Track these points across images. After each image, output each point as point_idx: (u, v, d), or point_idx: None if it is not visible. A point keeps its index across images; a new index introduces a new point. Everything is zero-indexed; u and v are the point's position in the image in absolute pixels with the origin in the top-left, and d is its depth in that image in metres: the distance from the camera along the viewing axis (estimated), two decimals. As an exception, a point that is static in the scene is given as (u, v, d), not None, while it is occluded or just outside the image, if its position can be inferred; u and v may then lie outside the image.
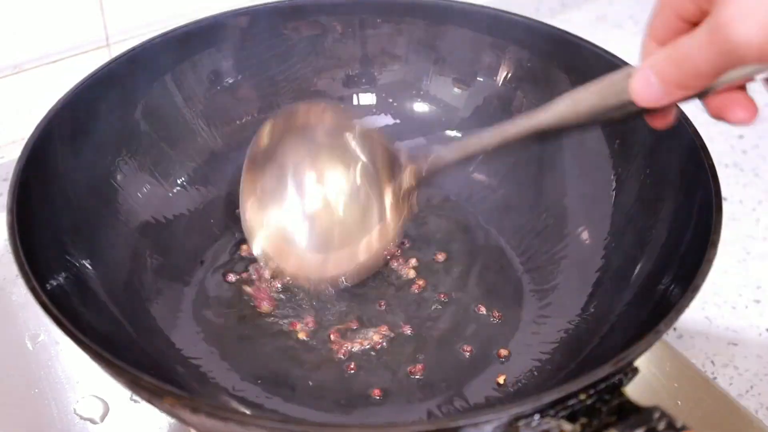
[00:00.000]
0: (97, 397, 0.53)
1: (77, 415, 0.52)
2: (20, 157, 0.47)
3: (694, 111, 0.47)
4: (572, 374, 0.48)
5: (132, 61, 0.56)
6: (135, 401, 0.53)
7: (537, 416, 0.36)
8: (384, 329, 0.53)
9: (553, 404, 0.36)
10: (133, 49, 0.57)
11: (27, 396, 0.53)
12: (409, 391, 0.50)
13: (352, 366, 0.51)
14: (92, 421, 0.52)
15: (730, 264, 0.65)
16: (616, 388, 0.38)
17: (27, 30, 0.66)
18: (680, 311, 0.40)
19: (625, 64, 0.56)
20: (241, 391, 0.50)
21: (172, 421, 0.52)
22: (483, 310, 0.55)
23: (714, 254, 0.43)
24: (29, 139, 0.49)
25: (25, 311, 0.57)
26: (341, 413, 0.49)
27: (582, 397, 0.37)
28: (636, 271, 0.51)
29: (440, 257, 0.58)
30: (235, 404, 0.49)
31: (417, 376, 0.51)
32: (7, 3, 0.64)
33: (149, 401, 0.39)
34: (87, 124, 0.53)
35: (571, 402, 0.37)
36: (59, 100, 0.52)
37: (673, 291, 0.45)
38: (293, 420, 0.47)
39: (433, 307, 0.55)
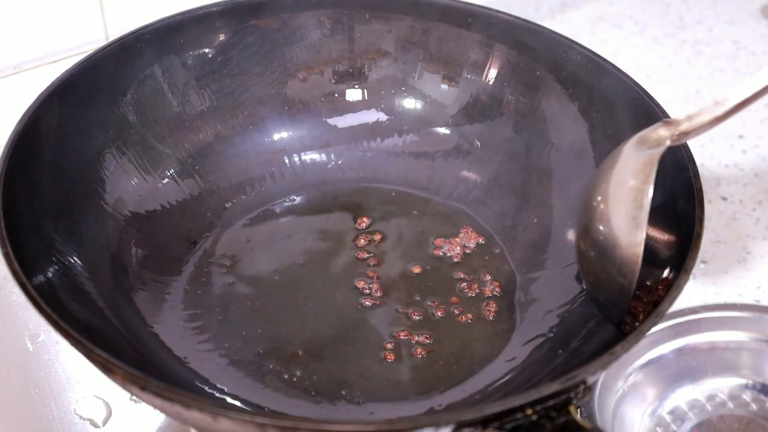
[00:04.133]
0: (97, 397, 0.53)
1: (77, 415, 0.52)
2: (6, 148, 0.47)
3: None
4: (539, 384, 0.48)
5: (120, 50, 0.56)
6: (135, 401, 0.53)
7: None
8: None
9: (498, 416, 0.36)
10: (121, 38, 0.57)
11: (27, 396, 0.53)
12: (382, 389, 0.51)
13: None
14: (93, 422, 0.52)
15: (730, 264, 0.65)
16: (565, 406, 0.37)
17: (27, 30, 0.66)
18: (640, 335, 0.40)
19: (603, 59, 0.57)
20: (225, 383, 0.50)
21: (172, 421, 0.52)
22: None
23: (686, 279, 0.43)
24: (14, 130, 0.48)
25: (25, 311, 0.57)
26: (312, 403, 0.49)
27: (528, 411, 0.37)
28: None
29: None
30: (217, 395, 0.49)
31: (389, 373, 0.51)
32: (7, 3, 0.64)
33: (111, 378, 0.40)
34: (74, 114, 0.53)
35: (518, 415, 0.37)
36: (44, 90, 0.52)
37: (641, 311, 0.45)
38: (231, 407, 0.47)
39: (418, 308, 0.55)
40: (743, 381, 0.55)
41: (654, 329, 0.44)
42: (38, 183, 0.50)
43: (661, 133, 0.45)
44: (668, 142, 0.44)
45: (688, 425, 0.53)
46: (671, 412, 0.53)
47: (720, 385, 0.55)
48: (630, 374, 0.54)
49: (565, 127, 0.60)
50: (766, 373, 0.55)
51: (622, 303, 0.45)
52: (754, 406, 0.54)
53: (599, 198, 0.46)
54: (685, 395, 0.54)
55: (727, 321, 0.57)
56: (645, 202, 0.43)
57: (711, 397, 0.54)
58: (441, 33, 0.63)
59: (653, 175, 0.43)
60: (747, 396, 0.54)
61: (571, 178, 0.59)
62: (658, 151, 0.44)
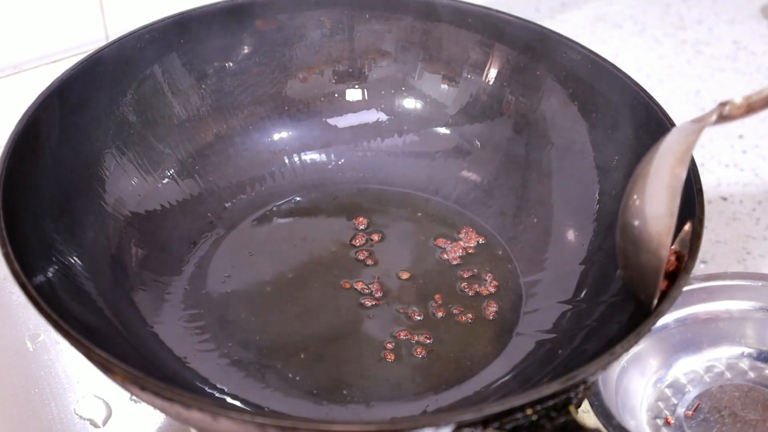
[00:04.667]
0: (97, 397, 0.53)
1: (77, 415, 0.52)
2: (6, 148, 0.47)
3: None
4: (539, 384, 0.48)
5: (120, 50, 0.56)
6: (135, 401, 0.53)
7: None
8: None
9: (498, 416, 0.36)
10: (121, 38, 0.57)
11: (27, 396, 0.53)
12: (382, 389, 0.51)
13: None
14: (93, 422, 0.52)
15: (730, 264, 0.65)
16: (565, 406, 0.38)
17: (27, 30, 0.66)
18: (640, 335, 0.40)
19: (603, 60, 0.57)
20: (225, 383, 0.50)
21: (172, 421, 0.52)
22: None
23: (686, 279, 0.43)
24: (14, 130, 0.49)
25: (25, 311, 0.57)
26: (312, 403, 0.50)
27: (528, 411, 0.37)
28: (614, 280, 0.52)
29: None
30: (217, 395, 0.49)
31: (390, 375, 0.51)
32: (7, 3, 0.64)
33: (111, 378, 0.40)
34: (74, 114, 0.53)
35: (518, 415, 0.37)
36: (44, 90, 0.52)
37: (640, 312, 0.45)
38: (232, 407, 0.47)
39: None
40: (740, 349, 0.55)
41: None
42: (38, 183, 0.50)
43: (713, 112, 0.44)
44: (714, 118, 0.44)
45: (689, 397, 0.53)
46: (670, 386, 0.53)
47: (718, 355, 0.55)
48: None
49: (565, 127, 0.60)
50: (765, 340, 0.55)
51: (652, 288, 0.44)
52: (751, 374, 0.54)
53: (635, 196, 0.46)
54: (685, 366, 0.54)
55: (728, 290, 0.57)
56: (681, 173, 0.43)
57: (709, 368, 0.54)
58: (441, 33, 0.63)
59: (692, 148, 0.43)
60: (744, 364, 0.54)
61: (571, 178, 0.59)
62: (701, 125, 0.44)
